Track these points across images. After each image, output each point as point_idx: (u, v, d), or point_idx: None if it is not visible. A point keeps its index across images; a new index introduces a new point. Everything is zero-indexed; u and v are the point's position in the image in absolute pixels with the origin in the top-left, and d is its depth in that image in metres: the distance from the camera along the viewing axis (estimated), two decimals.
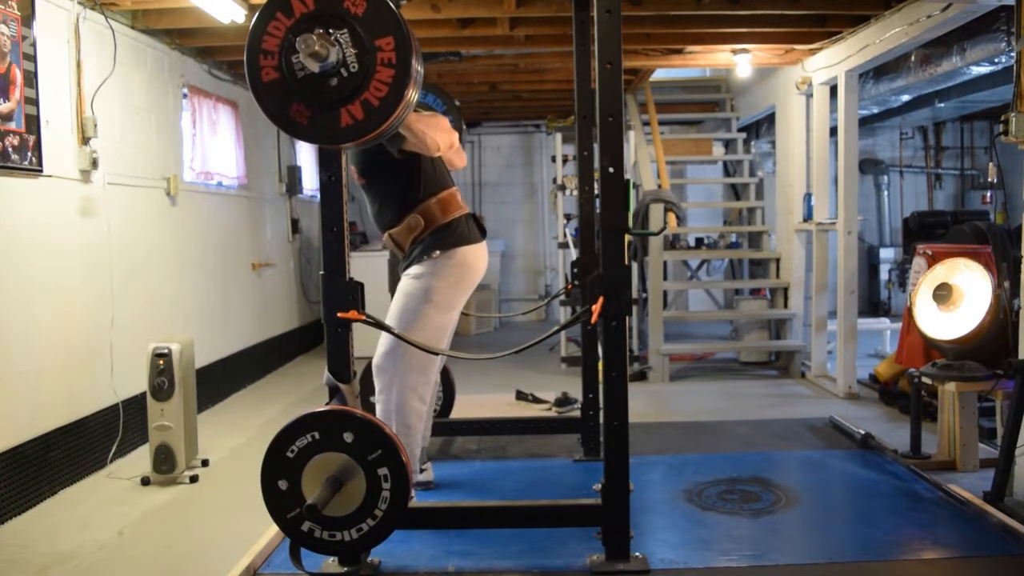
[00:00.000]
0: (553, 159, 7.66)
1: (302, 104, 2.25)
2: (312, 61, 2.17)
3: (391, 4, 2.24)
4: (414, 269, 3.10)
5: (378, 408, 3.12)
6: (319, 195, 2.61)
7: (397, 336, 2.80)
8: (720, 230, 7.96)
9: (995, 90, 5.65)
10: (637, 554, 2.63)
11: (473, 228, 3.21)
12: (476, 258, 3.17)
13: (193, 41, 4.90)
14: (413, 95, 2.33)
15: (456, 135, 3.23)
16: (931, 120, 8.95)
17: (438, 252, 3.07)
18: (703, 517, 3.10)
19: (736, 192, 8.10)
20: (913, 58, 5.10)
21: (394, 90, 2.24)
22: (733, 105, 8.03)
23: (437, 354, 3.09)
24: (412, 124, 2.91)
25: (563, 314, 6.79)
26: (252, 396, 5.71)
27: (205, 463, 3.96)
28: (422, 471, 3.38)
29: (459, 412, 4.11)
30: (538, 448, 4.03)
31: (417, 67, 2.30)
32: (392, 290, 3.80)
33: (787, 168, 6.41)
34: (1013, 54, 3.49)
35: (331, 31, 2.20)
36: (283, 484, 2.42)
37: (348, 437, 2.41)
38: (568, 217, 6.81)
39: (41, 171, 3.54)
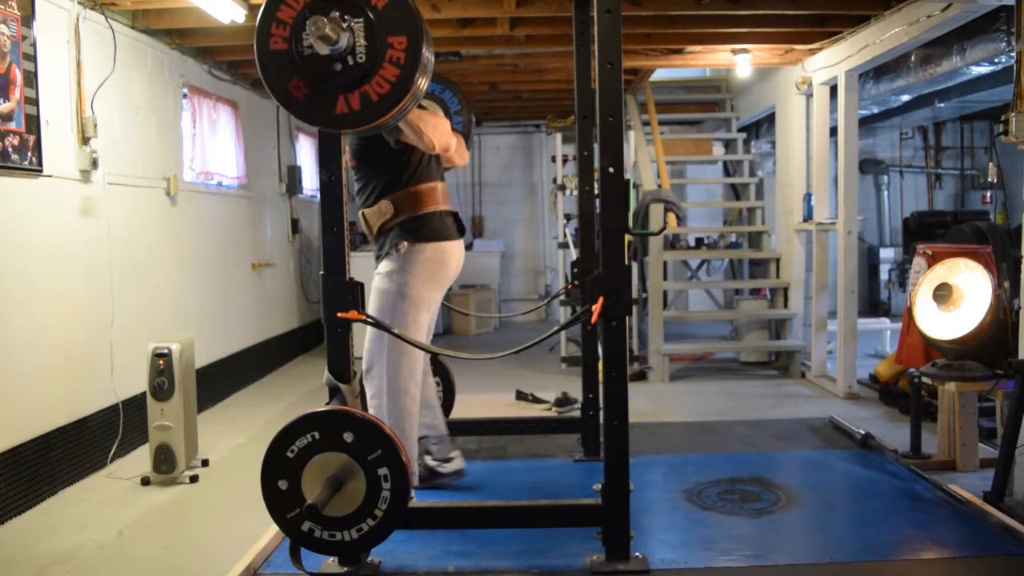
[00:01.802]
0: (553, 159, 7.66)
1: (302, 81, 2.25)
2: (321, 44, 2.17)
3: (412, 4, 2.23)
4: (385, 265, 3.09)
5: (370, 413, 3.12)
6: (319, 195, 2.61)
7: (397, 336, 2.81)
8: (720, 230, 7.96)
9: (995, 90, 5.65)
10: (637, 554, 2.63)
11: (449, 224, 3.19)
12: (448, 254, 3.16)
13: (193, 41, 4.90)
14: (412, 102, 2.33)
15: (455, 139, 3.22)
16: (931, 120, 8.95)
17: (406, 244, 3.05)
18: (703, 517, 3.10)
19: (736, 192, 8.10)
20: (913, 58, 5.10)
21: (395, 90, 2.23)
22: (733, 105, 8.03)
23: (428, 352, 3.09)
24: (414, 120, 2.90)
25: (563, 314, 6.79)
26: (252, 396, 5.71)
27: (205, 463, 3.96)
28: (450, 459, 3.39)
29: (459, 412, 4.11)
30: (538, 448, 4.03)
31: (421, 83, 2.29)
32: None
33: (787, 168, 6.41)
34: (1013, 54, 3.49)
35: (347, 17, 2.20)
36: (283, 484, 2.42)
37: (348, 437, 2.41)
38: (568, 217, 6.81)
39: (41, 171, 3.54)
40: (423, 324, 3.16)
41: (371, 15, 2.20)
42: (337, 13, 2.18)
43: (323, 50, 2.18)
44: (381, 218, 3.09)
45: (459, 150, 3.28)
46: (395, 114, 2.32)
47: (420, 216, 3.10)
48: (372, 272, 3.19)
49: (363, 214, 3.15)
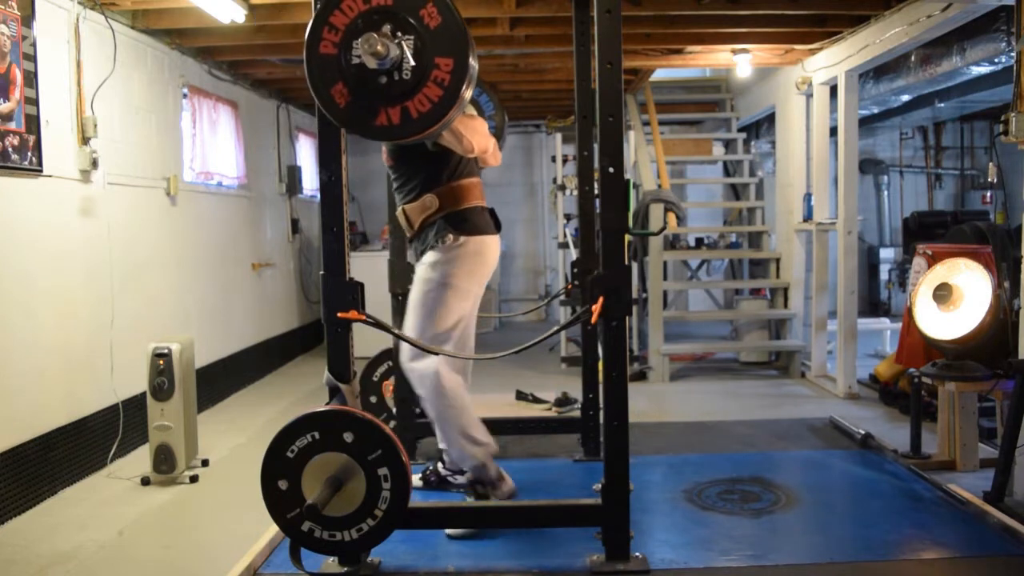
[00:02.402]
0: (553, 159, 7.66)
1: (346, 88, 2.26)
2: (371, 58, 2.19)
3: (463, 28, 2.24)
4: (429, 256, 3.06)
5: (432, 413, 3.07)
6: (319, 195, 2.61)
7: (397, 336, 2.81)
8: (720, 230, 7.96)
9: (995, 90, 5.65)
10: (637, 554, 2.63)
11: (488, 220, 3.18)
12: (489, 248, 3.15)
13: (193, 41, 4.90)
14: (452, 117, 2.35)
15: (493, 141, 3.22)
16: (931, 120, 8.95)
17: (451, 237, 3.02)
18: (703, 517, 3.10)
19: (736, 192, 8.10)
20: (913, 58, 5.10)
21: (436, 109, 2.25)
22: (733, 105, 8.03)
23: (431, 353, 3.08)
24: (453, 125, 2.87)
25: (563, 314, 6.79)
26: (252, 396, 5.71)
27: (205, 463, 3.96)
28: (464, 472, 3.25)
29: None
30: (538, 448, 4.03)
31: (466, 95, 2.30)
32: (392, 290, 3.80)
33: (787, 168, 6.41)
34: (1013, 54, 3.49)
35: (398, 33, 2.21)
36: (283, 484, 2.42)
37: (348, 437, 2.41)
38: (568, 217, 6.81)
39: (41, 171, 3.55)
40: (466, 313, 3.13)
41: (422, 33, 2.22)
42: (389, 27, 2.20)
43: (371, 63, 2.20)
44: (424, 212, 3.05)
45: (494, 152, 3.27)
46: (433, 131, 2.35)
47: (463, 210, 3.08)
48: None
49: (404, 210, 3.12)
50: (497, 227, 3.24)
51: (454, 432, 3.07)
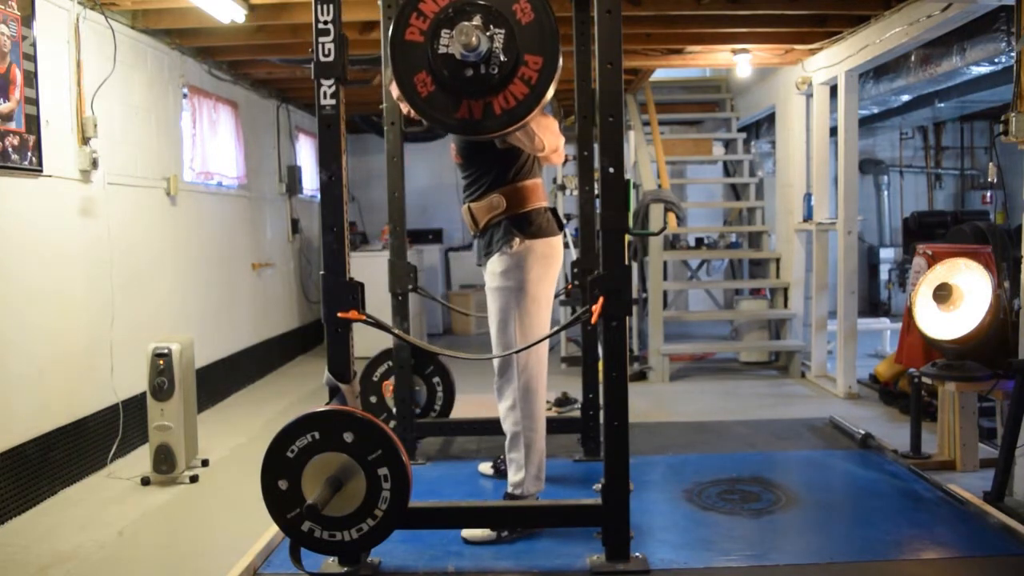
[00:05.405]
0: None
1: (430, 77, 2.23)
2: (460, 49, 2.16)
3: (555, 27, 2.20)
4: (498, 264, 3.02)
5: (507, 423, 3.05)
6: (319, 195, 2.61)
7: (398, 336, 2.81)
8: (720, 230, 7.96)
9: (995, 90, 5.65)
10: (637, 554, 2.63)
11: (551, 220, 3.14)
12: (556, 249, 3.12)
13: (193, 41, 4.90)
14: (534, 117, 2.32)
15: (562, 139, 3.15)
16: (931, 120, 8.95)
17: (518, 241, 2.98)
18: (703, 517, 3.10)
19: (736, 192, 8.10)
20: (913, 58, 5.10)
21: (520, 108, 2.24)
22: (733, 105, 8.03)
23: (432, 352, 3.08)
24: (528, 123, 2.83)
25: (563, 314, 6.79)
26: (252, 396, 5.71)
27: (205, 463, 3.96)
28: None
29: (459, 412, 4.12)
30: None
31: (550, 93, 2.27)
32: (392, 290, 3.80)
33: (787, 168, 6.41)
34: (1013, 54, 3.49)
35: (490, 26, 2.18)
36: (283, 484, 2.42)
37: (348, 437, 2.41)
38: (568, 217, 6.80)
39: (41, 171, 3.55)
40: (546, 320, 3.10)
41: (513, 28, 2.19)
42: (480, 19, 2.17)
43: (459, 53, 2.17)
44: (491, 212, 3.01)
45: (560, 151, 3.18)
46: (513, 129, 2.33)
47: (528, 212, 3.03)
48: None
49: (469, 208, 3.08)
50: (560, 226, 3.19)
51: (528, 460, 3.02)
